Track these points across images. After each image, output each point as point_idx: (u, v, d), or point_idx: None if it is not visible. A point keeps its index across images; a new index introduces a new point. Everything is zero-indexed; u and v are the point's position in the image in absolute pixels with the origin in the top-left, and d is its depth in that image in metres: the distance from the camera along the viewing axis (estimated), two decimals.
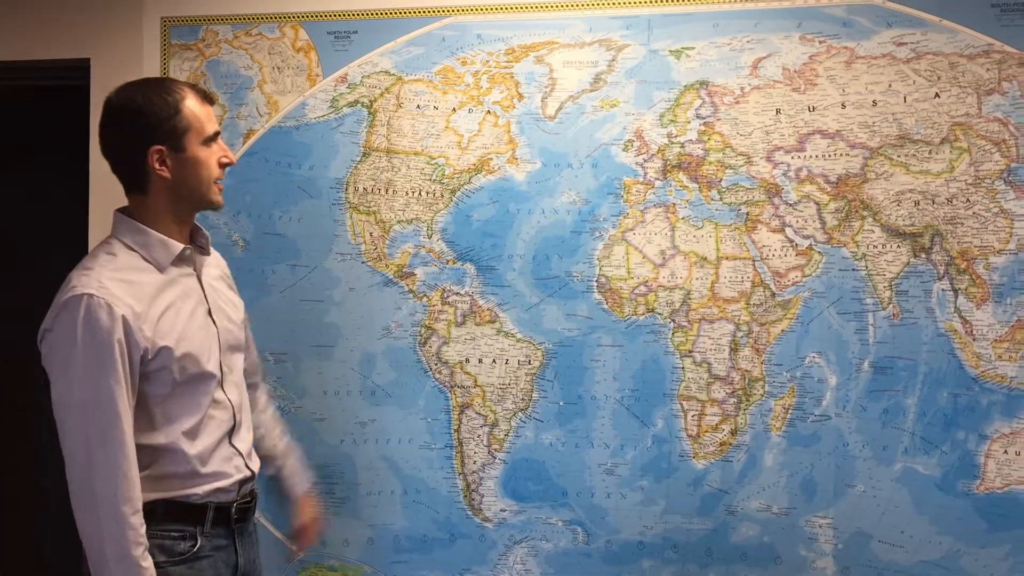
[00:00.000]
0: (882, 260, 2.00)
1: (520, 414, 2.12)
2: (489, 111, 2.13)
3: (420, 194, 2.15)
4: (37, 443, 2.85)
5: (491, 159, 2.13)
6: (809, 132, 2.03)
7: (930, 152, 1.98)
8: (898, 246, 2.00)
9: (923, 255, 1.99)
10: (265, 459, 1.80)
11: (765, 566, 2.05)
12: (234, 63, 2.20)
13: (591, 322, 2.10)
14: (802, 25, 2.03)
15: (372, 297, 2.15)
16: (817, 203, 2.03)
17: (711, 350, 2.06)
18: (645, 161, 2.08)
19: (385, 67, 2.16)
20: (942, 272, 1.98)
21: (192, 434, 1.50)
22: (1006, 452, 1.96)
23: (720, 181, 2.06)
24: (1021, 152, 1.95)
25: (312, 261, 2.17)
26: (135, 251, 1.50)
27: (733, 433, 2.06)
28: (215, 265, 1.68)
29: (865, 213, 2.01)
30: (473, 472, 2.13)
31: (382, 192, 2.15)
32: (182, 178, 1.51)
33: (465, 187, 2.13)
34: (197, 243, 1.61)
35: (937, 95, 1.98)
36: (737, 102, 2.05)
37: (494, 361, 2.12)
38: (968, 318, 1.97)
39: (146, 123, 1.47)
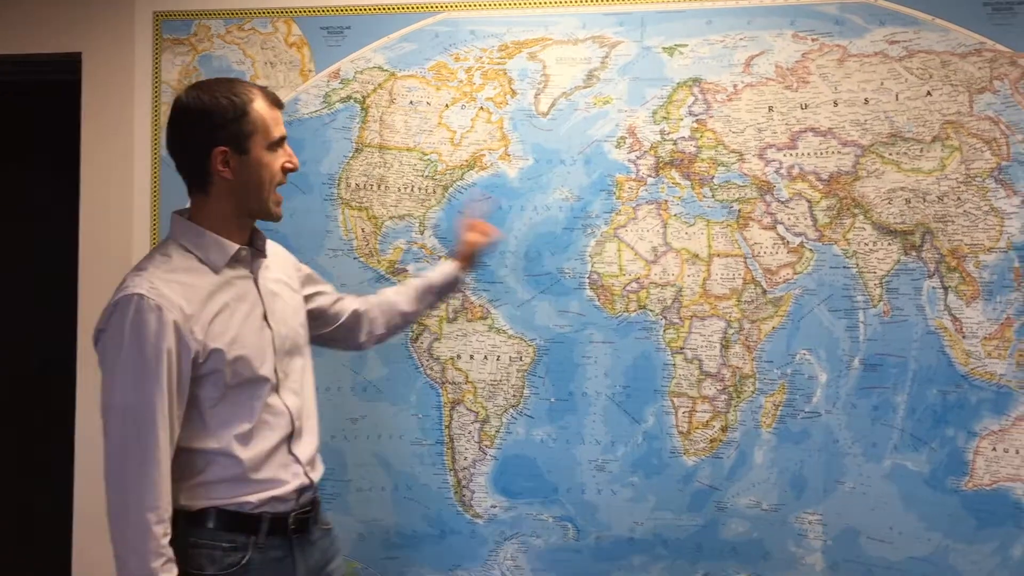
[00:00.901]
0: (873, 258, 2.01)
1: (511, 410, 2.12)
2: (482, 107, 2.12)
3: (412, 190, 2.14)
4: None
5: (484, 155, 2.13)
6: (801, 130, 2.03)
7: (921, 150, 1.99)
8: (889, 244, 2.00)
9: (914, 253, 2.00)
10: (415, 306, 1.85)
11: (754, 562, 2.06)
12: (226, 58, 2.19)
13: (583, 319, 2.10)
14: (795, 23, 2.03)
15: (364, 293, 2.14)
16: (809, 200, 2.03)
17: (702, 347, 2.07)
18: (638, 158, 2.08)
19: (378, 63, 2.15)
20: (932, 270, 1.99)
21: (244, 439, 1.45)
22: (995, 449, 1.97)
23: (712, 178, 2.06)
24: (1012, 151, 1.95)
25: (304, 256, 2.14)
26: (191, 252, 1.48)
27: (724, 430, 2.06)
28: (278, 267, 1.62)
29: (856, 211, 2.01)
30: (464, 468, 2.13)
31: (374, 188, 2.15)
32: (244, 180, 1.48)
33: (458, 183, 2.13)
34: (255, 245, 1.56)
35: (929, 93, 1.99)
36: (730, 99, 2.05)
37: (485, 357, 2.12)
38: (958, 316, 1.98)
39: (212, 123, 1.45)
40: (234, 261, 1.50)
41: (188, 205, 1.54)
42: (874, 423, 2.01)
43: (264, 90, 1.51)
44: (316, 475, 1.58)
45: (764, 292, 2.05)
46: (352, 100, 2.15)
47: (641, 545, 2.09)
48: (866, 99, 2.01)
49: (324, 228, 2.16)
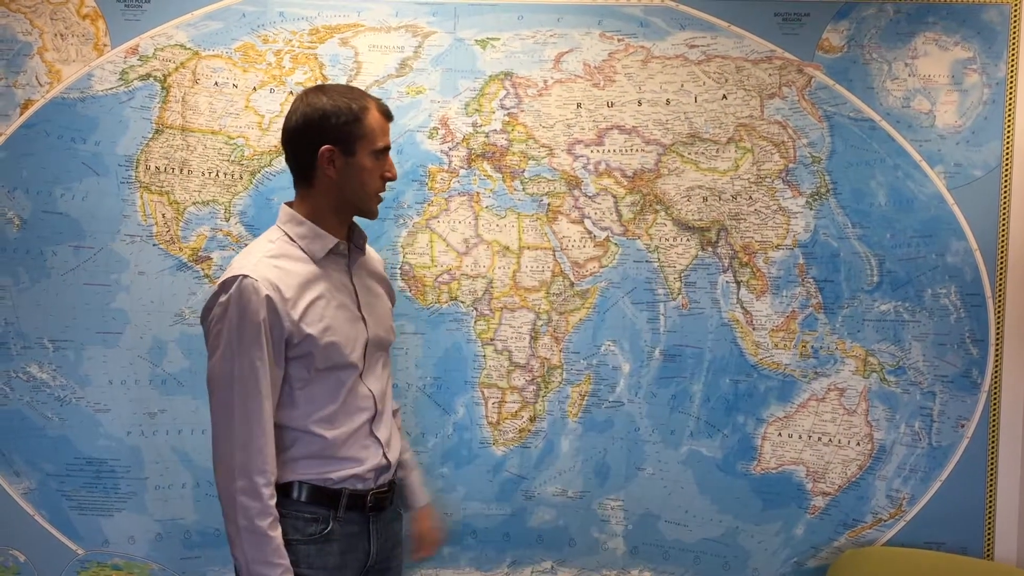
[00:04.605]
0: (673, 252, 2.09)
1: None
2: (292, 92, 2.06)
3: (217, 175, 2.06)
4: None
5: None
6: (608, 127, 2.09)
7: (717, 151, 2.08)
8: (687, 239, 2.09)
9: (710, 248, 2.09)
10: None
11: (560, 548, 2.11)
12: (11, 27, 2.03)
13: (394, 310, 2.08)
14: (602, 23, 2.08)
15: (164, 281, 2.05)
16: (614, 196, 2.09)
17: (512, 338, 2.09)
18: (450, 149, 2.08)
19: (180, 40, 2.05)
20: (726, 265, 2.09)
21: (330, 420, 1.59)
22: (780, 434, 2.10)
23: (523, 172, 2.09)
24: (797, 154, 2.08)
25: (97, 243, 2.04)
26: (294, 241, 1.61)
27: (532, 420, 2.10)
28: (374, 268, 1.77)
29: (658, 207, 2.09)
30: None
31: (176, 172, 2.05)
32: (346, 181, 1.61)
33: (265, 169, 2.06)
34: (354, 242, 1.70)
35: (724, 96, 2.08)
36: (540, 94, 2.09)
37: None
38: (749, 309, 2.09)
39: (327, 122, 1.58)
40: (332, 253, 1.63)
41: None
42: (672, 411, 2.10)
43: (379, 102, 1.66)
44: (393, 456, 1.70)
45: (572, 285, 2.10)
46: (152, 78, 2.04)
47: (450, 536, 2.10)
48: (668, 100, 2.08)
49: (120, 213, 2.04)
